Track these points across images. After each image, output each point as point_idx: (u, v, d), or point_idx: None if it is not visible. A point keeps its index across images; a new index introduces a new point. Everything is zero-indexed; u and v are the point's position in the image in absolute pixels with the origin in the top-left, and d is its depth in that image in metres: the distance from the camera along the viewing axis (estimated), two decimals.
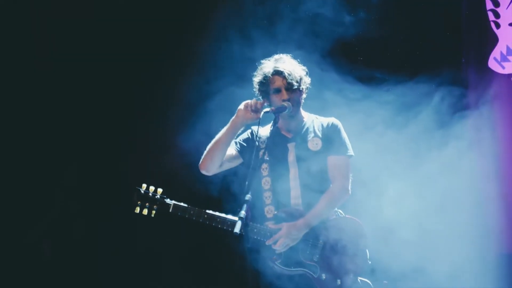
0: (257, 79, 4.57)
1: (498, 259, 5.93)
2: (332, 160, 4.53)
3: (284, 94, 4.46)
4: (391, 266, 5.08)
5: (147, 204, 4.59)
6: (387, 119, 5.53)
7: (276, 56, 4.60)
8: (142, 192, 4.60)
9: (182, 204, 4.58)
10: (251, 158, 4.32)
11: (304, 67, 4.63)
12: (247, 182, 4.02)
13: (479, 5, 6.29)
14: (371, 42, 6.09)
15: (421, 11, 6.20)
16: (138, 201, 4.59)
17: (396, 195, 5.30)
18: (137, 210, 4.60)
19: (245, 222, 3.88)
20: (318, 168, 4.51)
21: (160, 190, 4.61)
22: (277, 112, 4.41)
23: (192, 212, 4.53)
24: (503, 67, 6.26)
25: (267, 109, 4.40)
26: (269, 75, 4.50)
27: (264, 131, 4.60)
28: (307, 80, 4.60)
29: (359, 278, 4.35)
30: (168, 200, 4.59)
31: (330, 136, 4.55)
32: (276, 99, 4.48)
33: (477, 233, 5.88)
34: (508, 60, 6.26)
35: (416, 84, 5.79)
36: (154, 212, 4.59)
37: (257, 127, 4.49)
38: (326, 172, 4.52)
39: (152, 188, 4.60)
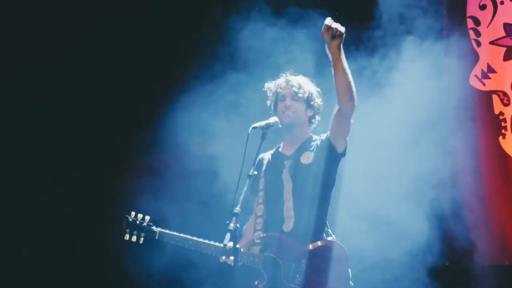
0: (269, 85, 4.81)
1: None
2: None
3: (288, 101, 4.66)
4: None
5: (135, 231, 4.77)
6: None
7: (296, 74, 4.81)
8: (131, 220, 4.78)
9: (167, 231, 4.76)
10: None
11: (318, 89, 4.78)
12: (235, 195, 4.15)
13: (460, 24, 6.46)
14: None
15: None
16: (127, 228, 4.78)
17: None
18: (127, 237, 4.80)
19: (234, 234, 3.99)
20: (310, 180, 4.61)
21: (147, 218, 4.78)
22: (265, 128, 4.51)
23: (177, 239, 4.72)
24: (484, 84, 6.40)
25: (256, 125, 4.52)
26: (280, 83, 4.74)
27: (267, 156, 4.81)
28: (317, 100, 4.74)
29: None
30: (154, 228, 4.78)
31: (321, 145, 4.65)
32: (281, 106, 4.68)
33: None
34: (489, 77, 6.39)
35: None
36: (142, 239, 4.79)
37: (262, 155, 4.75)
38: (316, 183, 4.61)
39: (140, 216, 4.78)
